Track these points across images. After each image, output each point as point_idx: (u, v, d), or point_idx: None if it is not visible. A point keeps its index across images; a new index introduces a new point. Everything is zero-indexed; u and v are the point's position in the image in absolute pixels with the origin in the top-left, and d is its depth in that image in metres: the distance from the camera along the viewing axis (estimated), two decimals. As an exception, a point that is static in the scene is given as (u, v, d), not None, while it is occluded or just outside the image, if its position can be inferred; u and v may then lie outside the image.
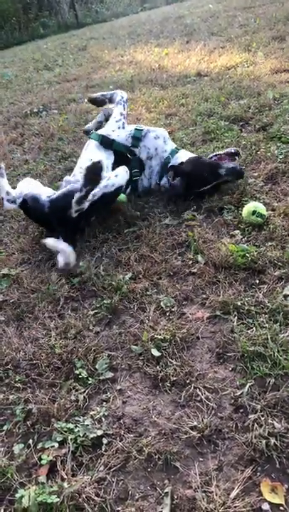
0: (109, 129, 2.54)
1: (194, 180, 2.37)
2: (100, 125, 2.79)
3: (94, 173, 2.10)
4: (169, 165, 2.49)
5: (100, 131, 2.55)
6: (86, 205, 2.13)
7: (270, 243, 1.96)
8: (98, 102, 2.81)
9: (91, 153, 2.48)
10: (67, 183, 2.37)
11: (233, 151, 2.50)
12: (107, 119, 2.72)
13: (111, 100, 2.72)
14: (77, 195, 2.09)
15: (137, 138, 2.51)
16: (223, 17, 7.36)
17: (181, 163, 2.46)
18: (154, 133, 2.55)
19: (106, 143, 2.47)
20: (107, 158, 2.42)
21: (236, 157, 2.52)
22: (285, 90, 3.56)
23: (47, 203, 2.20)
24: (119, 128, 2.53)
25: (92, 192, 2.14)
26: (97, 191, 2.18)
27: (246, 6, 7.72)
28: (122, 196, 2.42)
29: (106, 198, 2.24)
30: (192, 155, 2.55)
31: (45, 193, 2.28)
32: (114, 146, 2.47)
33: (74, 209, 2.12)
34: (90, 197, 2.13)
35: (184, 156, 2.52)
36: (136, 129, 2.54)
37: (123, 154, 2.47)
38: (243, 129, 3.16)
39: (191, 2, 10.83)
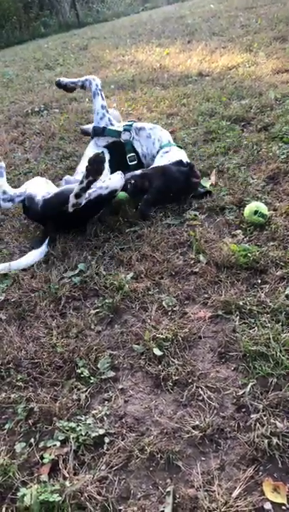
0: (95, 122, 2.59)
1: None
2: None
3: (97, 163, 2.04)
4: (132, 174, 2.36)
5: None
6: (83, 200, 2.11)
7: (272, 243, 1.96)
8: (68, 89, 2.78)
9: (87, 151, 2.53)
10: (67, 182, 2.38)
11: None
12: None
13: (83, 87, 2.68)
14: (76, 189, 2.07)
15: (128, 127, 2.53)
16: (224, 17, 7.36)
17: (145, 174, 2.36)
18: (147, 131, 2.56)
19: (97, 132, 2.51)
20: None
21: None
22: (287, 91, 3.56)
23: (41, 202, 2.22)
24: (106, 125, 2.56)
25: (89, 191, 2.13)
26: (93, 191, 2.18)
27: (248, 7, 7.72)
28: (123, 194, 2.42)
29: (100, 199, 2.22)
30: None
31: (43, 193, 2.29)
32: (106, 132, 2.49)
33: (71, 202, 2.10)
34: (86, 194, 2.12)
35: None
36: (125, 124, 2.58)
37: (116, 146, 2.48)
38: (245, 129, 3.17)
39: (193, 2, 10.83)
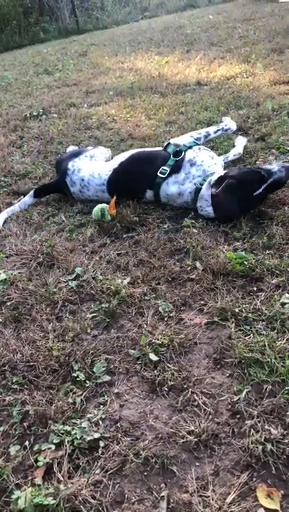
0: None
1: (240, 185, 2.16)
2: None
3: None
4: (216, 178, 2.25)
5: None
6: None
7: (268, 251, 1.98)
8: None
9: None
10: None
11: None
12: None
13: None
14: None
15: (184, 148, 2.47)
16: (223, 28, 7.45)
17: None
18: (210, 152, 2.50)
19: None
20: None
21: None
22: (284, 102, 3.61)
23: None
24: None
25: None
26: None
27: (246, 18, 7.83)
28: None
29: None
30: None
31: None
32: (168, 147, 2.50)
33: None
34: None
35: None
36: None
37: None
38: (242, 139, 3.19)
39: (192, 12, 10.96)
